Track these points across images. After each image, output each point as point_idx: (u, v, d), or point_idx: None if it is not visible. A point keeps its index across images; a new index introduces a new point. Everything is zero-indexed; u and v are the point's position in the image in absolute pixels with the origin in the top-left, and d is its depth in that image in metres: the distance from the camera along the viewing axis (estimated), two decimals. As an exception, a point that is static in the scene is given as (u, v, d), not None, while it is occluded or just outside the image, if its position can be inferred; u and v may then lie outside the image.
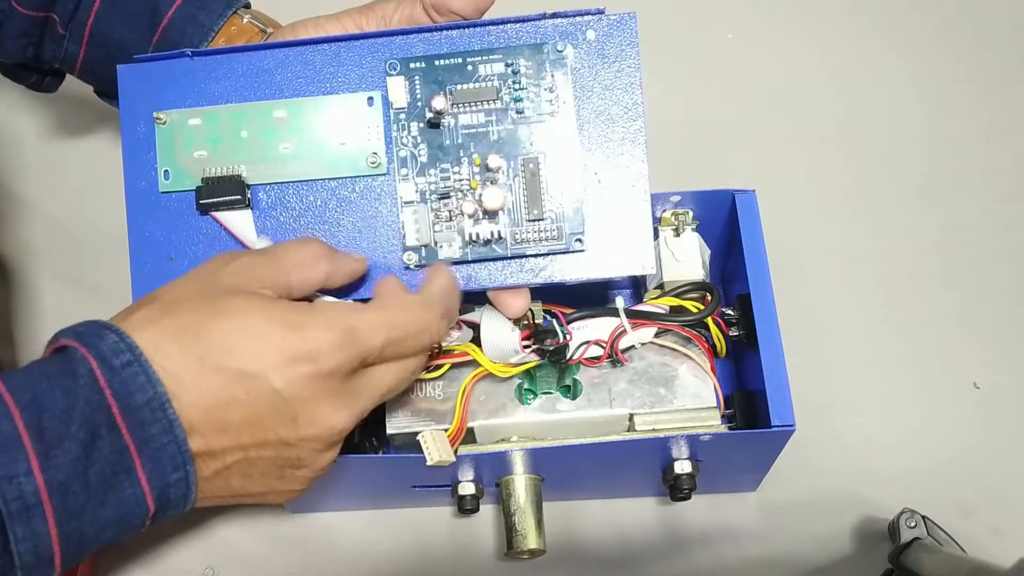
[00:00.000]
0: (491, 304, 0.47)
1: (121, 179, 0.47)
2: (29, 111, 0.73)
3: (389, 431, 0.51)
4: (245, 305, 0.38)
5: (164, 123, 0.46)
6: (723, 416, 0.51)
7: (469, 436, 0.51)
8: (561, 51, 0.44)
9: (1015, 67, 0.73)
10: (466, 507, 0.53)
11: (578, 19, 0.44)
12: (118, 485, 0.34)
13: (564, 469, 0.53)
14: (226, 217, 0.46)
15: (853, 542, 0.58)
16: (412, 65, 0.45)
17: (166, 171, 0.46)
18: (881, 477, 0.59)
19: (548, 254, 0.45)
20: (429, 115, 0.44)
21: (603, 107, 0.45)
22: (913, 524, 0.55)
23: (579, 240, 0.44)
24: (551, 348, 0.49)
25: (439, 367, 0.50)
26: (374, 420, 0.53)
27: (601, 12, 0.44)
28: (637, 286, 0.59)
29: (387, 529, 0.60)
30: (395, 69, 0.45)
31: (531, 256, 0.45)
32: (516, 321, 0.48)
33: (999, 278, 0.65)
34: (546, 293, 0.50)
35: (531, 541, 0.51)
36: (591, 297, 0.56)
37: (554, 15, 0.44)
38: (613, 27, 0.44)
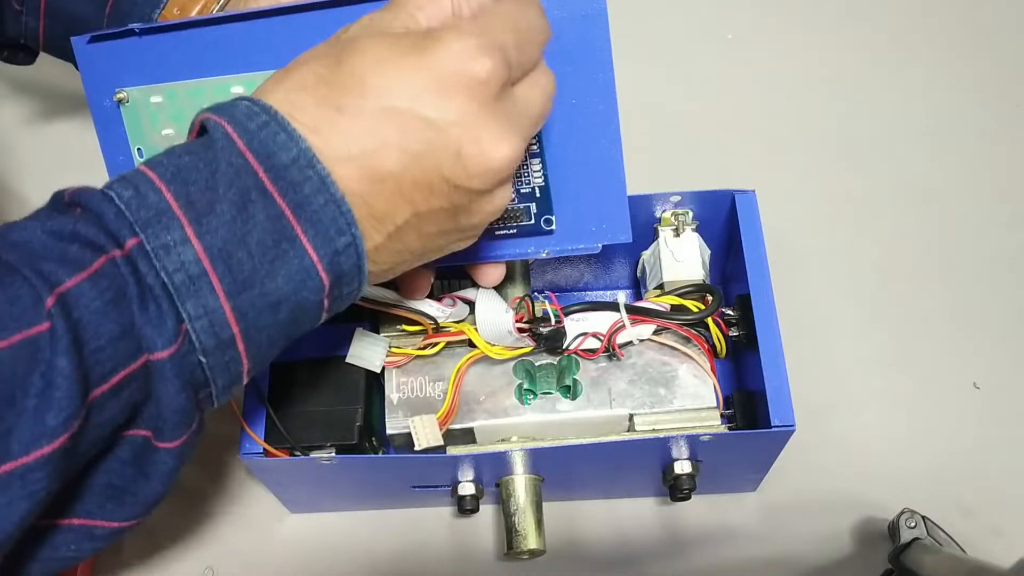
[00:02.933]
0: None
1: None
2: (28, 109, 0.73)
3: (389, 431, 0.51)
4: (373, 42, 0.34)
5: (127, 101, 0.45)
6: (723, 416, 0.51)
7: (469, 436, 0.51)
8: None
9: (1015, 67, 0.73)
10: (466, 507, 0.53)
11: None
12: (283, 255, 0.32)
13: (564, 469, 0.53)
14: None
15: (853, 542, 0.58)
16: None
17: (139, 149, 0.46)
18: (881, 477, 0.59)
19: (518, 235, 0.44)
20: None
21: (571, 76, 0.41)
22: (913, 524, 0.55)
23: (548, 220, 0.44)
24: (546, 332, 0.49)
25: (435, 344, 0.50)
26: (374, 420, 0.53)
27: None
28: (637, 286, 0.60)
29: (387, 529, 0.60)
30: None
31: (500, 234, 0.44)
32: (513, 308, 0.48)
33: (999, 278, 0.65)
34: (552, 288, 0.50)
35: (531, 541, 0.51)
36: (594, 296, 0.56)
37: None
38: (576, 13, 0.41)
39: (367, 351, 0.50)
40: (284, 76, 0.35)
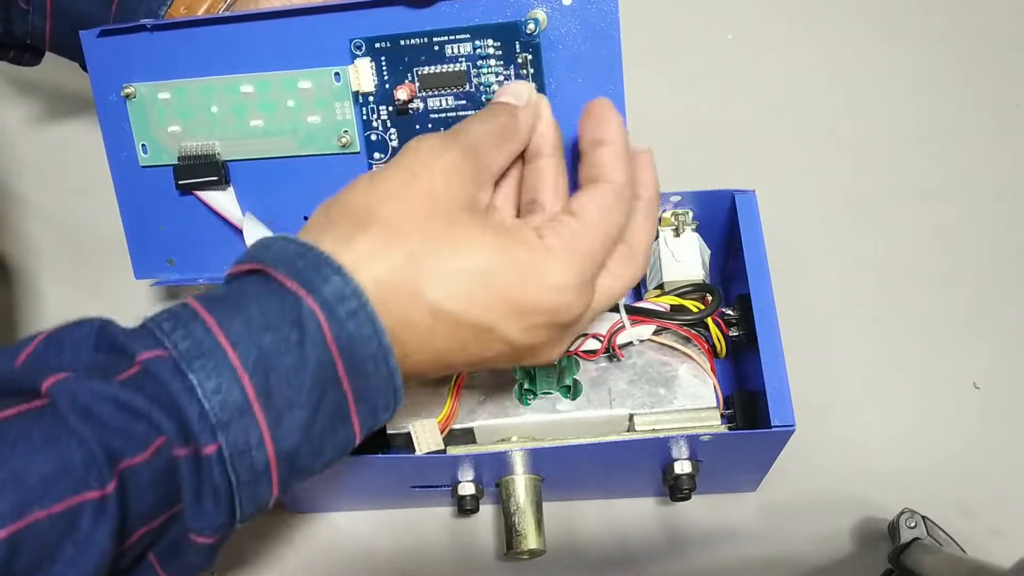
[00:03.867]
0: None
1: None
2: (29, 109, 0.73)
3: (389, 431, 0.51)
4: (477, 237, 0.34)
5: (134, 97, 0.45)
6: (723, 416, 0.51)
7: (469, 436, 0.51)
8: (532, 33, 0.41)
9: (1015, 67, 0.73)
10: (466, 507, 0.53)
11: None
12: (334, 433, 0.33)
13: (564, 469, 0.53)
14: (207, 196, 0.46)
15: (853, 542, 0.58)
16: (377, 45, 0.43)
17: (143, 145, 0.46)
18: (881, 477, 0.59)
19: None
20: (397, 103, 0.43)
21: (579, 76, 0.42)
22: (913, 524, 0.55)
23: None
24: None
25: None
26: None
27: None
28: (637, 286, 0.59)
29: (387, 529, 0.60)
30: (360, 49, 0.43)
31: None
32: None
33: (999, 278, 0.65)
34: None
35: (531, 541, 0.51)
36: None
37: None
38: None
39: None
40: (381, 248, 0.33)
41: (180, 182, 0.45)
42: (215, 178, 0.45)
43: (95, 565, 0.28)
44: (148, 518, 0.30)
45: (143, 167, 0.46)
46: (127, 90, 0.45)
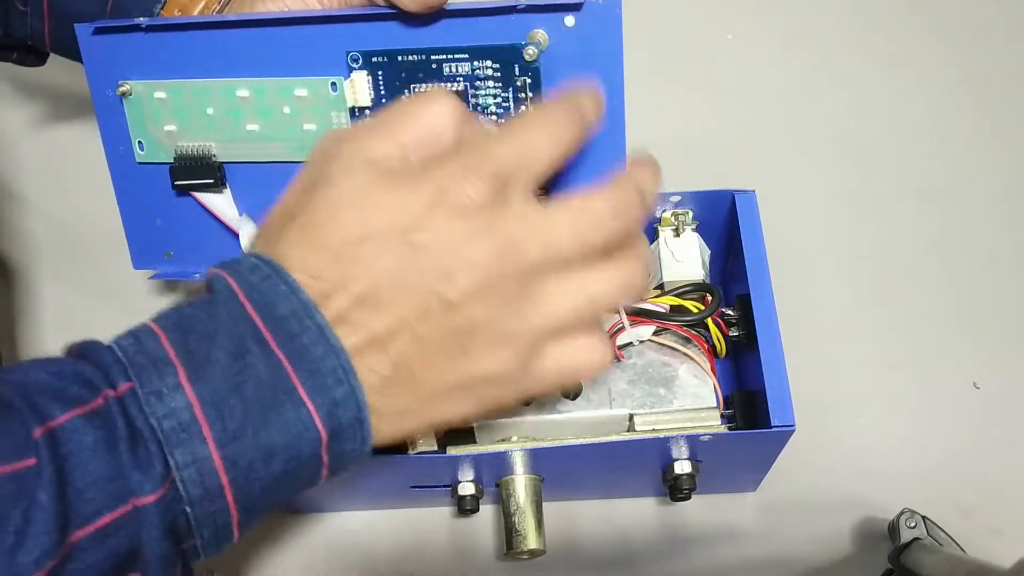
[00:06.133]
0: None
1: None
2: (29, 109, 0.73)
3: (389, 431, 0.51)
4: (346, 173, 0.34)
5: (130, 95, 0.44)
6: (723, 416, 0.51)
7: (469, 436, 0.51)
8: (531, 59, 0.41)
9: (1015, 67, 0.73)
10: (466, 507, 0.53)
11: (553, 13, 0.40)
12: (279, 405, 0.32)
13: (564, 469, 0.53)
14: (204, 197, 0.46)
15: (853, 542, 0.58)
16: (375, 59, 0.42)
17: (140, 142, 0.46)
18: (881, 477, 0.59)
19: None
20: None
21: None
22: (913, 524, 0.55)
23: None
24: None
25: None
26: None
27: (579, 6, 0.39)
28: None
29: (387, 529, 0.60)
30: (357, 62, 0.42)
31: None
32: None
33: (999, 278, 0.65)
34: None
35: (531, 541, 0.51)
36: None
37: (527, 8, 0.40)
38: (594, 14, 0.39)
39: None
40: (281, 227, 0.35)
41: (176, 183, 0.45)
42: (211, 180, 0.45)
43: (42, 530, 0.28)
44: (100, 497, 0.29)
45: (140, 164, 0.46)
46: (123, 88, 0.44)
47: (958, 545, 0.54)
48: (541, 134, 0.35)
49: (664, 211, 0.54)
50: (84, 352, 0.32)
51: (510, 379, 0.35)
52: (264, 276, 0.33)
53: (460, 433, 0.51)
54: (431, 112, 0.35)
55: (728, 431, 0.49)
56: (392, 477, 0.54)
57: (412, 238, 0.33)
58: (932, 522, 0.55)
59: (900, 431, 0.61)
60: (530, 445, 0.50)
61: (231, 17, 0.44)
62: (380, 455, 0.53)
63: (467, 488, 0.53)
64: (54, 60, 0.57)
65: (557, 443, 0.50)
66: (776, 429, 0.47)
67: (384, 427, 0.34)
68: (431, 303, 0.33)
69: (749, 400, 0.52)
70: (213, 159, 0.45)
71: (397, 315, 0.33)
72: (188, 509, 0.31)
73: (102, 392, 0.31)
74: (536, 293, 0.34)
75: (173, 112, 0.45)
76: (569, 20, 0.40)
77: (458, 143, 0.35)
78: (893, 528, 0.56)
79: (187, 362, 0.31)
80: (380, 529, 0.60)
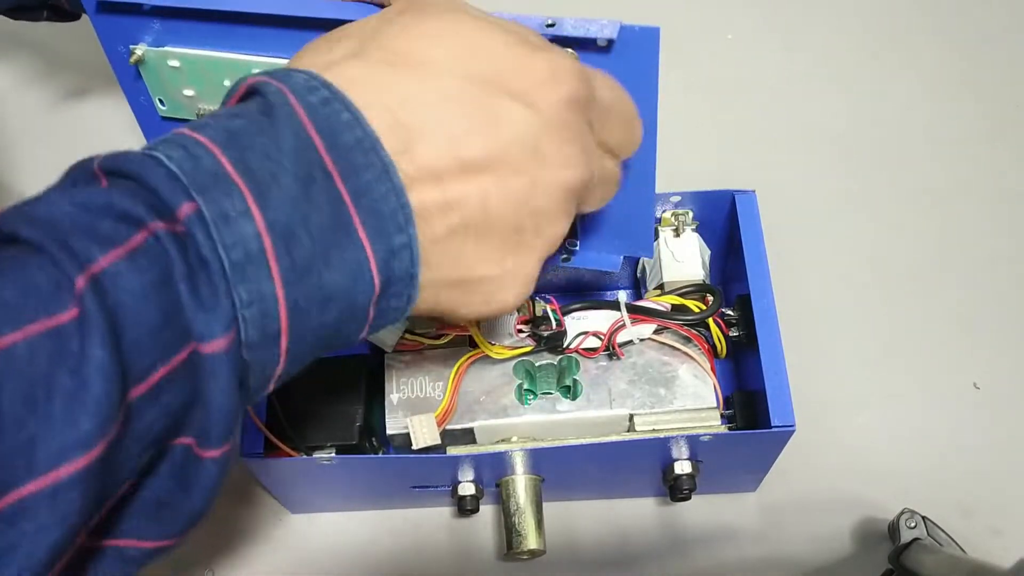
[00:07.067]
0: None
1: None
2: (30, 111, 0.73)
3: (389, 431, 0.51)
4: (447, 7, 0.32)
5: (143, 60, 0.43)
6: (723, 416, 0.51)
7: (469, 436, 0.51)
8: None
9: (1015, 67, 0.73)
10: (466, 507, 0.53)
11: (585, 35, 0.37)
12: (339, 244, 0.28)
13: (564, 469, 0.53)
14: None
15: (853, 542, 0.58)
16: None
17: (160, 99, 0.45)
18: (881, 477, 0.59)
19: None
20: None
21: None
22: (913, 524, 0.55)
23: (572, 242, 0.44)
24: (546, 335, 0.50)
25: (443, 335, 0.51)
26: (374, 420, 0.53)
27: (612, 42, 0.37)
28: (637, 286, 0.59)
29: (387, 529, 0.60)
30: None
31: None
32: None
33: (999, 278, 0.65)
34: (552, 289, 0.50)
35: (531, 541, 0.51)
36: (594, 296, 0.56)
37: (552, 29, 0.36)
38: (629, 41, 0.37)
39: (385, 330, 0.49)
40: (340, 40, 0.32)
41: None
42: None
43: (102, 393, 0.24)
44: (155, 348, 0.25)
45: (163, 119, 0.46)
46: (136, 54, 0.43)
47: (958, 545, 0.54)
48: (630, 120, 0.36)
49: (664, 211, 0.54)
50: (118, 169, 0.27)
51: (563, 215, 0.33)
52: (324, 99, 0.29)
53: (460, 433, 0.51)
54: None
55: (728, 431, 0.49)
56: (392, 477, 0.54)
57: (519, 100, 0.30)
58: (932, 522, 0.55)
59: (900, 431, 0.61)
60: (530, 445, 0.50)
61: (235, 6, 0.42)
62: (381, 455, 0.53)
63: (467, 488, 0.53)
64: (55, 60, 0.57)
65: (557, 443, 0.50)
66: (776, 429, 0.47)
67: (427, 270, 0.31)
68: (511, 163, 0.31)
69: (749, 400, 0.52)
70: None
71: (476, 179, 0.30)
72: (245, 355, 0.27)
73: (147, 225, 0.26)
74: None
75: (189, 80, 0.43)
76: (602, 42, 0.37)
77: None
78: (893, 528, 0.56)
79: (252, 185, 0.27)
80: (380, 529, 0.60)
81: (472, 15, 0.32)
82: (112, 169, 0.27)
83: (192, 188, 0.26)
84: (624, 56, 0.37)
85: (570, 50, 0.35)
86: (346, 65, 0.30)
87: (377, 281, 0.29)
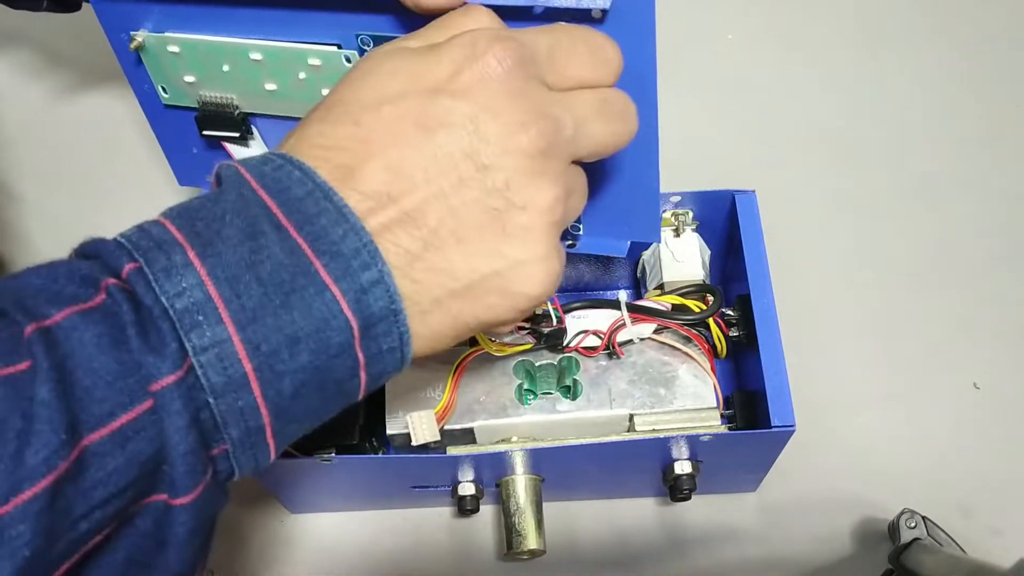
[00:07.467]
0: None
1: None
2: (30, 110, 0.73)
3: (389, 431, 0.51)
4: (373, 57, 0.33)
5: (143, 46, 0.43)
6: (723, 416, 0.51)
7: (469, 436, 0.51)
8: None
9: (1016, 66, 0.73)
10: (466, 508, 0.53)
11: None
12: (300, 289, 0.29)
13: (564, 469, 0.53)
14: (234, 149, 0.46)
15: (853, 542, 0.58)
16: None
17: (163, 87, 0.45)
18: (881, 477, 0.59)
19: None
20: None
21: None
22: (913, 524, 0.55)
23: (575, 226, 0.44)
24: (546, 332, 0.50)
25: None
26: (374, 420, 0.53)
27: (606, 12, 0.37)
28: (637, 286, 0.60)
29: (387, 529, 0.60)
30: (368, 45, 0.41)
31: None
32: None
33: (999, 278, 0.65)
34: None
35: (531, 541, 0.51)
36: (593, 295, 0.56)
37: (545, 13, 0.36)
38: (623, 9, 0.38)
39: None
40: (302, 122, 0.34)
41: (204, 132, 0.45)
42: (236, 134, 0.45)
43: (47, 427, 0.25)
44: (113, 395, 0.27)
45: (167, 107, 0.46)
46: (136, 40, 0.43)
47: (958, 545, 0.54)
48: (582, 47, 0.34)
49: (664, 211, 0.54)
50: (84, 249, 0.30)
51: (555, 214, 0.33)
52: (276, 166, 0.31)
53: (460, 433, 0.51)
54: (466, 21, 0.34)
55: (728, 431, 0.49)
56: (392, 477, 0.54)
57: (439, 99, 0.31)
58: (932, 522, 0.55)
59: (900, 431, 0.61)
60: (530, 445, 0.50)
61: None
62: (381, 455, 0.53)
63: (467, 488, 0.53)
64: (54, 60, 0.57)
65: (557, 443, 0.50)
66: (776, 429, 0.47)
67: (420, 327, 0.32)
68: (460, 163, 0.31)
69: (749, 400, 0.52)
70: (236, 110, 0.44)
71: (426, 185, 0.31)
72: (212, 400, 0.28)
73: (102, 284, 0.28)
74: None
75: (190, 66, 0.44)
76: (596, 14, 0.37)
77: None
78: (893, 528, 0.56)
79: (195, 242, 0.29)
80: (380, 529, 0.60)
81: (391, 46, 0.34)
82: (79, 252, 0.31)
83: (135, 251, 0.29)
84: (620, 26, 0.37)
85: (485, 19, 0.34)
86: (299, 134, 0.33)
87: (353, 320, 0.30)
